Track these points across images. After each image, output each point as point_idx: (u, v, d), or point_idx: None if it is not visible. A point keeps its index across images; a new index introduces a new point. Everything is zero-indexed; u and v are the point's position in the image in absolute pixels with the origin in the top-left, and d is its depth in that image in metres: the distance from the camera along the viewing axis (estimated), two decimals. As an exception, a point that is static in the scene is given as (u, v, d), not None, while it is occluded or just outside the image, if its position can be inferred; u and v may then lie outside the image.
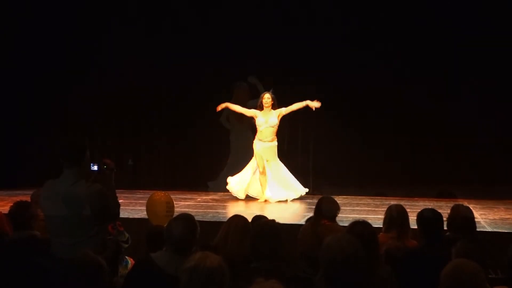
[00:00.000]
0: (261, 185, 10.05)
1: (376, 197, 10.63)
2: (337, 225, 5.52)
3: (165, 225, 4.49)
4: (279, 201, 9.91)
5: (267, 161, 10.07)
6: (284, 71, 11.21)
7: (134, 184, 11.01)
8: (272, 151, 10.13)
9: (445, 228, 4.88)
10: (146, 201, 6.98)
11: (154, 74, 11.72)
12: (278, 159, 10.22)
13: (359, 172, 11.31)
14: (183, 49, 11.47)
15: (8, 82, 11.68)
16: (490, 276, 4.23)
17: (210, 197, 10.45)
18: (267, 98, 10.06)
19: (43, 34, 11.55)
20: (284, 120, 10.24)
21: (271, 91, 10.11)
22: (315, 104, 9.99)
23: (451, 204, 5.16)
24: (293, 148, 11.62)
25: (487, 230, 7.55)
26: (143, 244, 5.19)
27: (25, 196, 5.80)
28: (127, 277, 3.97)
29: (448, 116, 10.92)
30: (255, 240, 3.91)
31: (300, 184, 10.22)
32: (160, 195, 7.04)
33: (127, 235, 5.49)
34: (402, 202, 6.14)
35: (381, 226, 5.29)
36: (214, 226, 4.89)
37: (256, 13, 11.30)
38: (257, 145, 10.09)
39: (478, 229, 5.45)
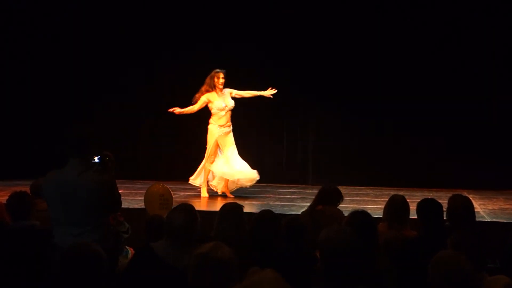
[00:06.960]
0: (204, 174, 9.28)
1: (376, 187, 10.63)
2: (333, 208, 5.57)
3: (163, 216, 4.51)
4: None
5: (224, 146, 9.11)
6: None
7: (134, 174, 10.99)
8: (231, 137, 9.18)
9: (445, 218, 4.89)
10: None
11: (151, 66, 11.71)
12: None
13: (359, 162, 11.27)
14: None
15: (8, 75, 11.68)
16: (489, 265, 4.24)
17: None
18: (222, 78, 8.97)
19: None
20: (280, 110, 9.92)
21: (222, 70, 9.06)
22: (270, 92, 9.10)
23: (450, 194, 5.15)
24: (292, 140, 11.60)
25: (486, 220, 7.58)
26: (143, 234, 5.20)
27: (24, 187, 5.81)
28: (127, 267, 3.99)
29: (449, 106, 10.87)
30: (254, 230, 3.92)
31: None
32: (157, 187, 7.06)
33: (127, 225, 5.52)
34: (401, 192, 6.13)
35: (381, 216, 5.30)
36: (215, 216, 4.88)
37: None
38: (216, 130, 9.07)
39: (477, 219, 5.46)
